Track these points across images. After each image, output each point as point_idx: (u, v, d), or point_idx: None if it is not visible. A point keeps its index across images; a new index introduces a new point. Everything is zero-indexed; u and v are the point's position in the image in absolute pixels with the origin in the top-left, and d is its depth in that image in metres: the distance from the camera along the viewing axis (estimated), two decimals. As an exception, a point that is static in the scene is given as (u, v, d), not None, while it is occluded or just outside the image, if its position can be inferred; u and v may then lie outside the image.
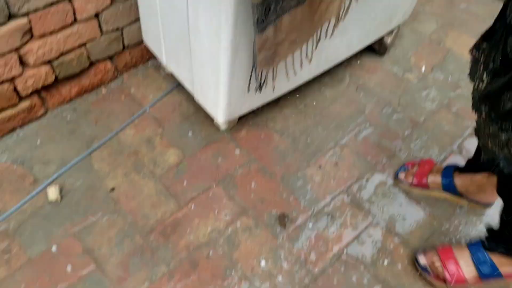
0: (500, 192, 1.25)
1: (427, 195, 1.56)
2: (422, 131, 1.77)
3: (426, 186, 1.54)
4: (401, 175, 1.59)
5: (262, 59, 1.32)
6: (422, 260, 1.39)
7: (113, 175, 1.55)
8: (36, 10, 1.43)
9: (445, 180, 1.51)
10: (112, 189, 1.52)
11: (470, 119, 1.80)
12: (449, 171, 1.51)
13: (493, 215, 1.53)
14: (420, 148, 1.71)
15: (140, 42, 1.83)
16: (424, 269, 1.38)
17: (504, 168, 1.06)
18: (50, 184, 1.50)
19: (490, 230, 1.34)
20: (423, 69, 2.00)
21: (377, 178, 1.62)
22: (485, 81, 1.00)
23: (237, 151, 1.65)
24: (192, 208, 1.49)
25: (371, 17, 1.73)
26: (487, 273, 1.31)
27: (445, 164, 1.65)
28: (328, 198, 1.56)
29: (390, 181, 1.61)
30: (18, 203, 1.45)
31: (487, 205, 1.52)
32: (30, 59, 1.51)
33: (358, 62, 2.00)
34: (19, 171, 1.53)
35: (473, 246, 1.35)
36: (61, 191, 1.49)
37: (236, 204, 1.51)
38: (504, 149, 1.00)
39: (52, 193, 1.47)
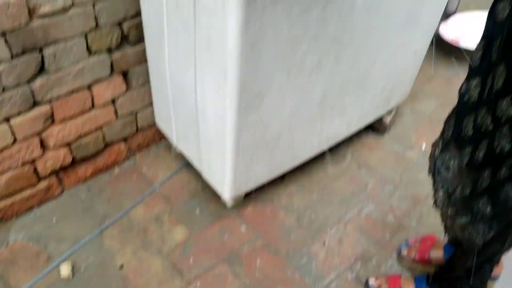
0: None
1: (430, 271, 1.57)
2: (424, 208, 1.81)
3: (428, 262, 1.56)
4: (404, 252, 1.61)
5: None
6: (372, 282, 1.52)
7: (123, 252, 1.60)
8: (58, 98, 1.56)
9: (447, 255, 1.53)
10: (121, 266, 1.56)
11: (471, 195, 1.84)
12: (451, 246, 1.54)
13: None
14: (422, 224, 1.75)
15: (153, 124, 1.95)
16: None
17: (467, 246, 1.12)
18: (63, 261, 1.56)
19: (436, 269, 1.45)
20: (424, 147, 2.07)
21: (381, 254, 1.64)
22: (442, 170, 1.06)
23: (243, 228, 1.71)
24: (197, 285, 1.53)
25: (369, 98, 1.84)
26: None
27: (447, 239, 1.68)
28: (333, 275, 1.58)
29: (393, 257, 1.64)
30: (31, 281, 1.50)
31: (494, 278, 1.53)
32: (50, 142, 1.63)
33: (359, 140, 2.09)
34: (35, 249, 1.60)
35: (419, 280, 1.47)
36: (73, 267, 1.55)
37: (241, 282, 1.54)
38: (465, 232, 1.04)
39: (65, 270, 1.52)
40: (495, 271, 1.44)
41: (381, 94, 1.90)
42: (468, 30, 2.56)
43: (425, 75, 2.44)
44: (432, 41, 1.99)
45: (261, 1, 1.13)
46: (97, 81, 1.64)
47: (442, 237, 1.69)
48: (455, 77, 2.46)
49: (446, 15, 2.61)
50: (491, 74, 0.84)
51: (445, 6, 1.85)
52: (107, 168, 1.89)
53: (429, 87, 2.41)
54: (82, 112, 1.67)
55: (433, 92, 2.38)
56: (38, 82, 1.48)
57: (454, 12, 2.70)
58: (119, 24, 1.59)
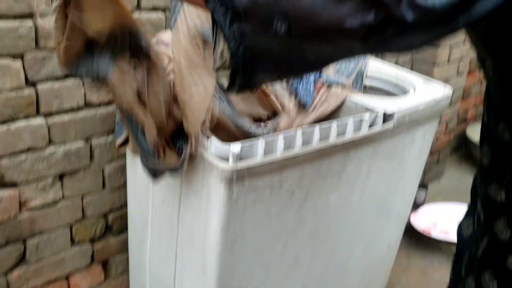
0: None
1: None
2: None
3: None
4: None
5: None
6: None
7: None
8: (33, 289, 1.54)
9: None
10: None
11: None
12: None
13: None
14: None
15: (127, 315, 1.88)
16: None
17: None
18: None
19: None
20: None
21: None
22: None
23: None
24: None
25: (348, 290, 1.85)
26: None
27: None
28: None
29: None
30: None
31: None
32: (17, 337, 1.55)
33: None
34: None
35: None
36: None
37: None
38: None
39: None
40: None
41: (359, 286, 1.91)
42: (437, 220, 2.70)
43: (400, 265, 2.48)
44: (404, 232, 2.08)
45: (242, 201, 1.22)
46: (76, 271, 1.63)
47: None
48: (430, 266, 2.51)
49: (415, 206, 2.77)
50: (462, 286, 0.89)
51: (413, 198, 1.99)
52: None
53: (405, 278, 2.43)
54: (57, 304, 1.62)
55: (409, 282, 2.40)
56: (16, 273, 1.47)
57: (423, 203, 2.87)
58: (105, 215, 1.65)
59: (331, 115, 1.62)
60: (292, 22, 0.57)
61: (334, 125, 1.32)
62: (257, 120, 1.52)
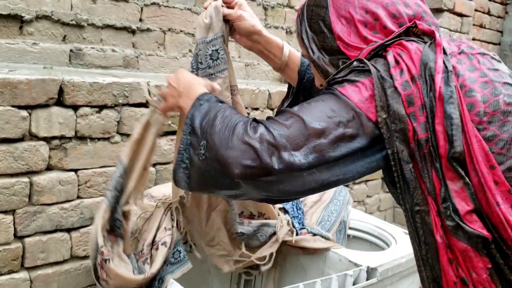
0: None
1: None
2: None
3: None
4: None
5: None
6: None
7: None
8: None
9: None
10: None
11: None
12: None
13: None
14: None
15: None
16: None
17: None
18: None
19: None
20: None
21: None
22: None
23: None
24: None
25: None
26: None
27: None
28: None
29: None
30: None
31: None
32: None
33: None
34: None
35: None
36: None
37: None
38: None
39: None
40: None
41: None
42: None
43: None
44: None
45: None
46: None
47: None
48: None
49: None
50: None
51: None
52: None
53: None
54: None
55: None
56: None
57: None
58: None
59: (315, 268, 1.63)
60: (207, 148, 0.86)
61: (318, 282, 1.33)
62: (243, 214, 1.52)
